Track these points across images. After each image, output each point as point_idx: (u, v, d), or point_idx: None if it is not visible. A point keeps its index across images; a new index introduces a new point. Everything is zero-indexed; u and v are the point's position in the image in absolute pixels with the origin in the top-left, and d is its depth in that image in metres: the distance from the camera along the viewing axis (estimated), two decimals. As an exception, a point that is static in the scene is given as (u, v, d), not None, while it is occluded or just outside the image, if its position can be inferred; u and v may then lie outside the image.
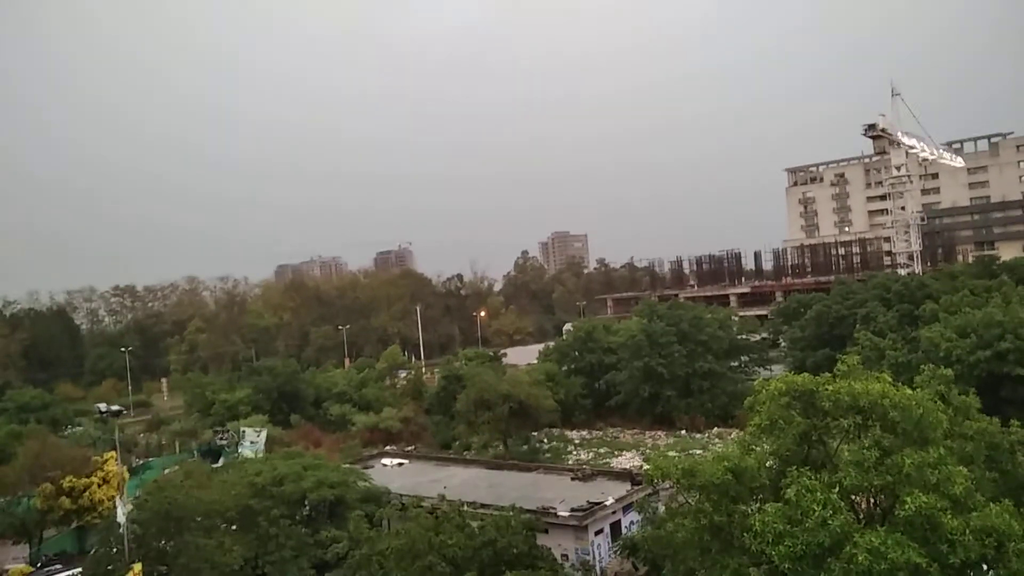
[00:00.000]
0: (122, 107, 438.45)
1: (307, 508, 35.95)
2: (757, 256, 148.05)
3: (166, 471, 52.06)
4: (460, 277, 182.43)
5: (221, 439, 63.55)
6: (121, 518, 31.93)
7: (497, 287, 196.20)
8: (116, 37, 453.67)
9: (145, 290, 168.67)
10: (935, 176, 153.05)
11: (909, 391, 18.41)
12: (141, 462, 59.99)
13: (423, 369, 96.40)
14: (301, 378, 77.10)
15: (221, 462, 57.51)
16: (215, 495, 34.39)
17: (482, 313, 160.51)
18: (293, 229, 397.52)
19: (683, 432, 62.16)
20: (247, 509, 34.05)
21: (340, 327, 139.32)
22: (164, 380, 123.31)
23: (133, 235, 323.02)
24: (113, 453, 51.12)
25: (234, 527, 33.88)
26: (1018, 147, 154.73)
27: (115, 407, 58.45)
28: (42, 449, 49.85)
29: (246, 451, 60.16)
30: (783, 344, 76.65)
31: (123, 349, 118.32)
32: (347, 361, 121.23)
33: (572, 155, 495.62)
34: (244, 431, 63.14)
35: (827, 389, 18.52)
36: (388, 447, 64.45)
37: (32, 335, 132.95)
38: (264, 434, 62.26)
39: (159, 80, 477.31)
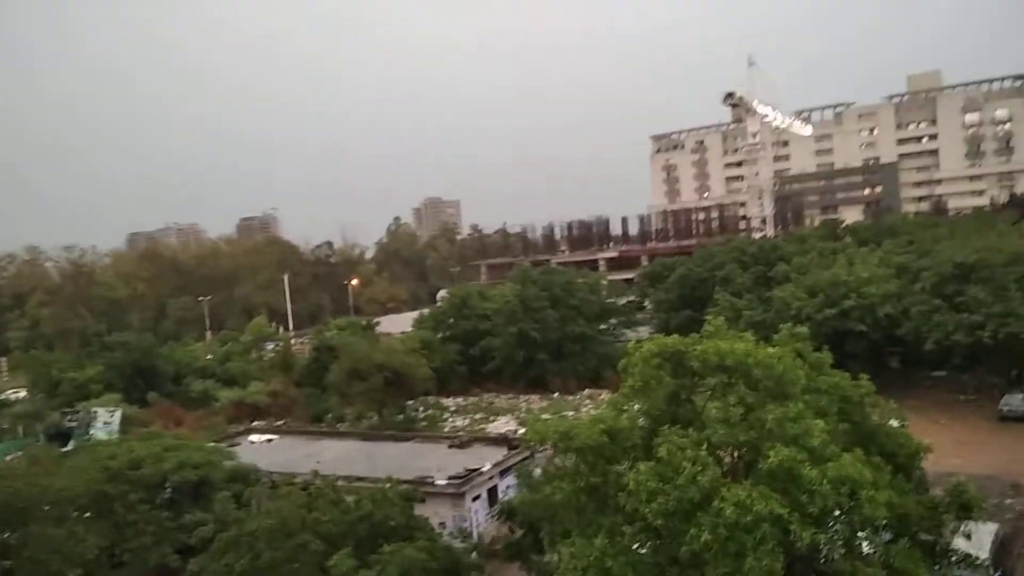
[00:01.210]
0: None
1: (168, 491, 33.93)
2: (624, 221, 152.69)
3: (8, 458, 47.88)
4: (330, 244, 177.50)
5: (70, 421, 59.04)
6: (-48, 513, 28.97)
7: (369, 255, 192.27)
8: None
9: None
10: (786, 144, 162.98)
11: (771, 350, 19.27)
12: (-23, 450, 54.77)
13: (292, 340, 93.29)
14: (159, 353, 72.64)
15: (71, 446, 53.47)
16: (65, 481, 31.81)
17: (354, 281, 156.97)
18: (145, 195, 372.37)
19: (556, 395, 63.53)
20: (101, 495, 31.75)
21: (200, 298, 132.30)
22: (3, 359, 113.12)
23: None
24: (-58, 442, 46.37)
25: (88, 515, 31.57)
26: (859, 116, 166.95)
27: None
28: None
29: (99, 433, 56.26)
30: (649, 306, 79.56)
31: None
32: (209, 334, 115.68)
33: (440, 117, 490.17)
34: (96, 412, 59.00)
35: (695, 349, 19.09)
36: (256, 423, 62.03)
37: None
38: (118, 414, 58.39)
39: None
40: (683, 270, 70.72)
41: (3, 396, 72.16)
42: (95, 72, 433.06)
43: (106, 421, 57.89)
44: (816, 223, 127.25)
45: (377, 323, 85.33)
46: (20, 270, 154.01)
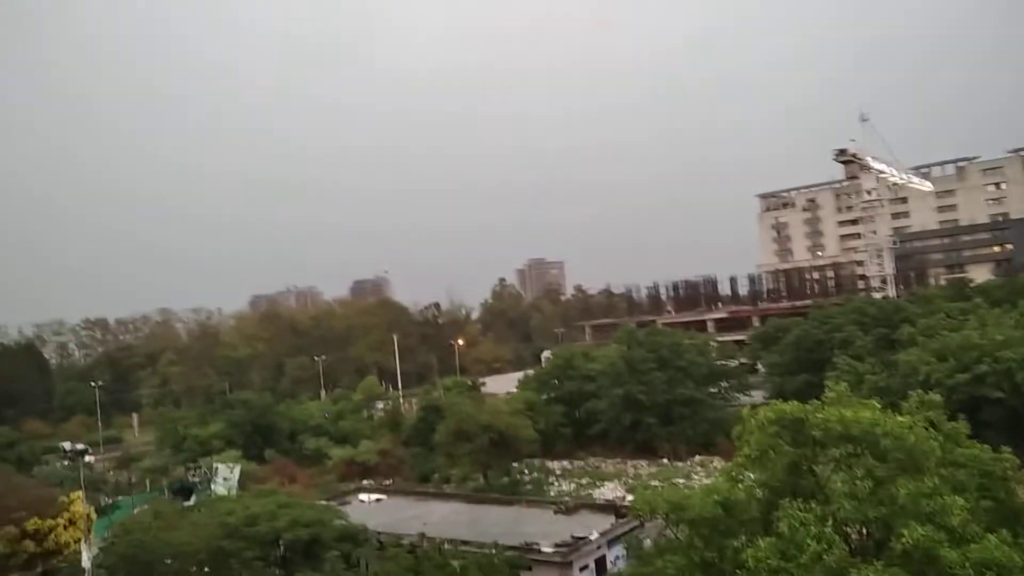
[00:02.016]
0: (99, 117, 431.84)
1: (281, 548, 34.71)
2: (733, 281, 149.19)
3: (135, 511, 50.46)
4: (437, 306, 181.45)
5: (193, 476, 61.87)
6: (86, 562, 30.73)
7: (474, 315, 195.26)
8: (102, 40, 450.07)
9: (116, 323, 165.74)
10: (904, 200, 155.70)
11: (901, 419, 18.05)
12: (110, 501, 58.10)
13: (401, 400, 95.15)
14: (276, 411, 75.58)
15: (193, 500, 55.92)
16: (185, 536, 33.21)
17: (460, 341, 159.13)
18: (269, 258, 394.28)
19: (665, 461, 61.56)
20: (219, 551, 32.84)
21: (316, 358, 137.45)
22: (135, 415, 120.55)
23: (105, 266, 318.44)
24: (80, 493, 49.39)
25: (205, 569, 32.67)
26: (984, 170, 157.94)
27: (80, 445, 56.59)
28: (6, 489, 48.06)
29: (219, 488, 58.58)
30: (762, 369, 76.60)
31: (93, 383, 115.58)
32: (323, 393, 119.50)
33: (542, 178, 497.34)
34: (217, 467, 61.53)
35: (817, 417, 18.12)
36: (365, 481, 63.15)
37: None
38: (237, 470, 60.69)
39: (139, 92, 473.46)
40: (798, 332, 67.94)
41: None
42: (217, 143, 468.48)
43: (226, 477, 60.17)
44: (942, 283, 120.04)
45: (483, 384, 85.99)
46: (153, 331, 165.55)
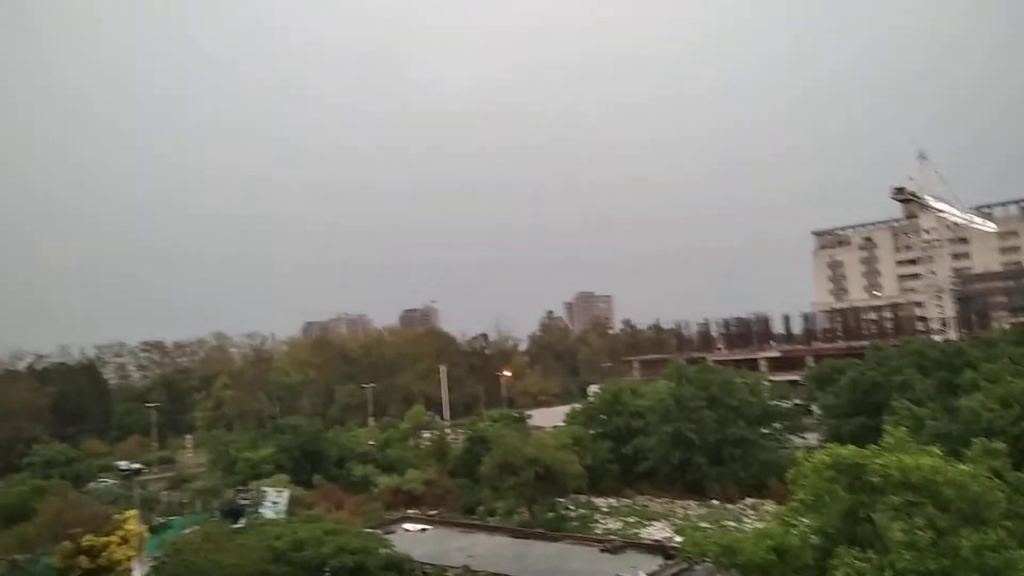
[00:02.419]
0: (159, 154, 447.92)
1: (327, 575, 35.00)
2: (786, 320, 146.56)
3: (186, 531, 51.38)
4: (485, 336, 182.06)
5: (243, 499, 62.70)
6: (139, 581, 31.34)
7: (522, 347, 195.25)
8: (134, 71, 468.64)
9: (174, 346, 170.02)
10: (965, 240, 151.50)
11: (963, 467, 17.50)
12: (162, 521, 59.26)
13: (447, 430, 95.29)
14: (325, 437, 76.41)
15: (242, 523, 56.63)
16: (234, 559, 33.75)
17: (507, 373, 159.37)
18: (321, 286, 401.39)
19: (715, 502, 60.26)
20: (266, 574, 33.27)
21: (365, 385, 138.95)
22: (189, 436, 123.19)
23: (163, 290, 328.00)
24: (134, 512, 50.56)
25: (253, 593, 33.10)
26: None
27: (136, 465, 58.44)
28: (64, 506, 49.41)
29: (267, 512, 59.30)
30: (816, 411, 74.70)
31: (150, 405, 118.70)
32: (371, 420, 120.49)
33: (588, 211, 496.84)
34: (266, 491, 62.34)
35: (875, 463, 17.68)
36: (411, 511, 63.29)
37: (61, 389, 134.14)
38: (286, 495, 61.41)
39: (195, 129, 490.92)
40: (855, 373, 66.14)
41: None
42: (273, 172, 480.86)
43: (274, 501, 60.91)
44: (1005, 326, 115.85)
45: (529, 416, 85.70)
46: (209, 354, 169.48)
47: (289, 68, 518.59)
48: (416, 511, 63.47)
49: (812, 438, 64.76)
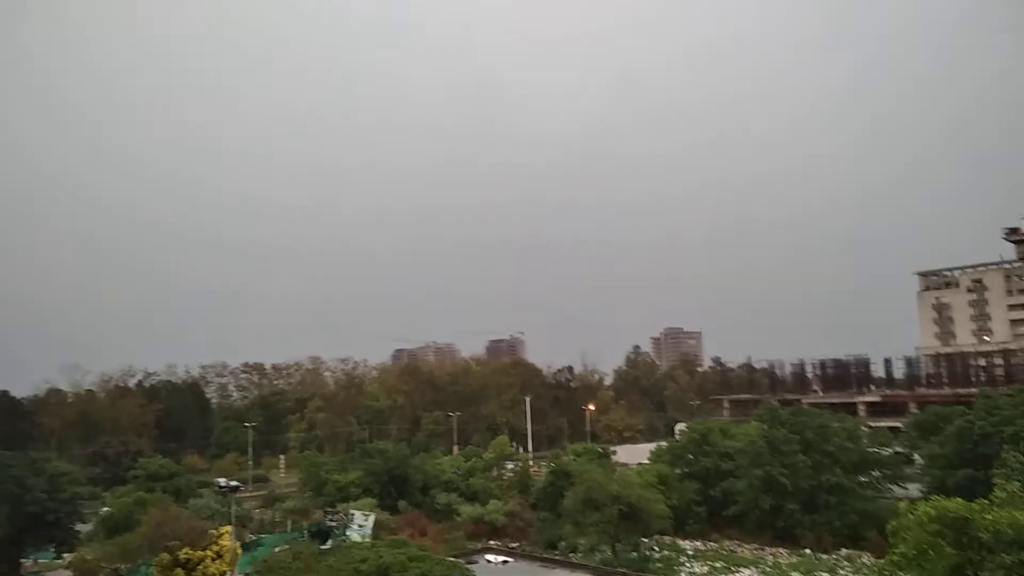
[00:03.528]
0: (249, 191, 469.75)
1: (411, 601, 35.39)
2: (888, 363, 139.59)
3: (276, 549, 52.99)
4: (570, 369, 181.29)
5: (331, 520, 64.21)
6: (232, 595, 32.45)
7: (607, 381, 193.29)
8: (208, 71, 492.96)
9: (272, 368, 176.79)
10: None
11: (1085, 528, 16.33)
12: (254, 538, 61.31)
13: (530, 461, 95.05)
14: (411, 463, 77.53)
15: (329, 544, 58.00)
16: (321, 579, 34.55)
17: (591, 407, 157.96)
18: (412, 315, 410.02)
19: (807, 551, 57.64)
20: (351, 597, 33.94)
21: (451, 413, 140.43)
22: (282, 457, 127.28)
23: (263, 317, 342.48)
24: (229, 528, 52.54)
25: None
26: None
27: (233, 482, 60.73)
28: (164, 518, 51.89)
29: (354, 534, 60.52)
30: (919, 460, 70.70)
31: (246, 424, 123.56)
32: (456, 448, 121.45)
33: (678, 248, 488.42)
34: (353, 514, 63.68)
35: (985, 518, 16.72)
36: (492, 542, 63.35)
37: (167, 406, 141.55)
38: (372, 518, 62.56)
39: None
40: (962, 422, 62.36)
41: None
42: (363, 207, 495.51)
43: (360, 524, 62.13)
44: None
45: (613, 452, 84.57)
46: (304, 377, 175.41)
47: (395, 105, 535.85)
48: (498, 542, 63.46)
49: (914, 489, 61.35)
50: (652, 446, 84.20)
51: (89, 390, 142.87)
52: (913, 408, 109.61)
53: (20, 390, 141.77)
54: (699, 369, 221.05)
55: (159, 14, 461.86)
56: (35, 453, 69.42)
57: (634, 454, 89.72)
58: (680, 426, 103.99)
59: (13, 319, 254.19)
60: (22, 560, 56.75)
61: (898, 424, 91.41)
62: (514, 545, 62.62)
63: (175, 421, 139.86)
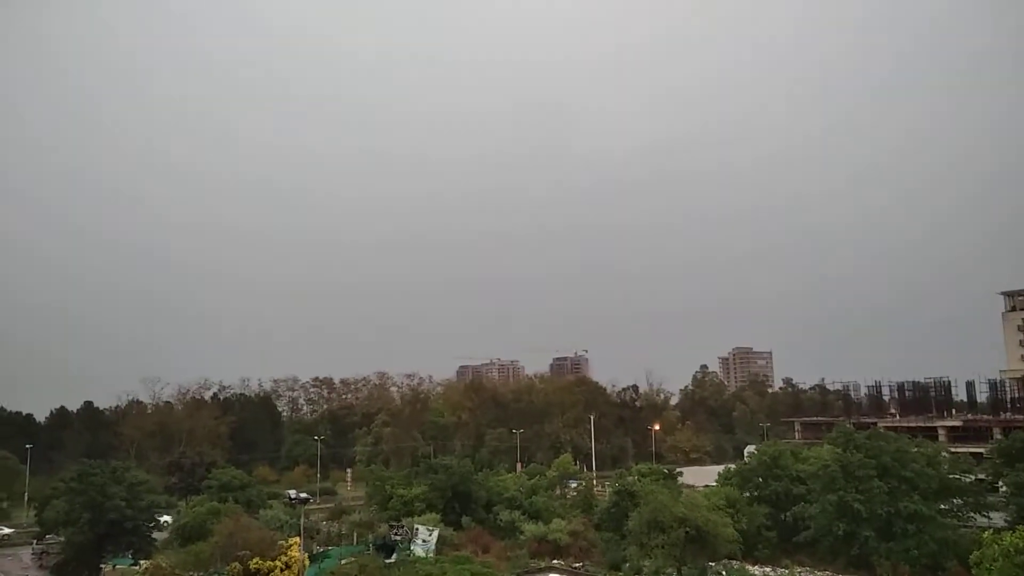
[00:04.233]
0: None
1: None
2: (970, 386, 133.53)
3: (343, 562, 53.81)
4: (635, 388, 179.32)
5: (396, 534, 64.85)
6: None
7: (673, 401, 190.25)
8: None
9: (340, 382, 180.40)
10: None
11: None
12: (321, 550, 62.39)
13: (594, 481, 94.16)
14: (474, 479, 77.75)
15: (394, 558, 58.56)
16: (386, 592, 34.89)
17: (657, 427, 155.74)
18: (477, 332, 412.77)
19: (883, 580, 55.37)
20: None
21: (514, 430, 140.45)
22: (349, 470, 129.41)
23: (335, 331, 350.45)
24: (297, 539, 53.66)
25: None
26: None
27: (303, 494, 61.98)
28: (236, 529, 53.38)
29: (418, 549, 60.99)
30: (1003, 488, 67.24)
31: (315, 438, 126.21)
32: (519, 465, 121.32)
33: (746, 267, 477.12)
34: (417, 528, 64.18)
35: (1076, 552, 15.84)
36: (555, 561, 62.86)
37: (240, 418, 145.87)
38: (436, 534, 62.91)
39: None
40: (1051, 449, 59.24)
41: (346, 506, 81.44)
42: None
43: (424, 539, 62.57)
44: None
45: (680, 473, 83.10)
46: (371, 392, 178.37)
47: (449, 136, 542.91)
48: (561, 562, 62.94)
49: (998, 518, 58.28)
50: (720, 468, 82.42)
51: (167, 402, 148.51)
52: (997, 434, 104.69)
53: (103, 401, 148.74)
54: (769, 390, 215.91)
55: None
56: (115, 462, 72.22)
57: (701, 476, 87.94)
58: (749, 448, 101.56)
59: (92, 333, 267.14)
60: (101, 565, 59.03)
61: (981, 450, 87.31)
62: (577, 565, 61.97)
63: (248, 433, 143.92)
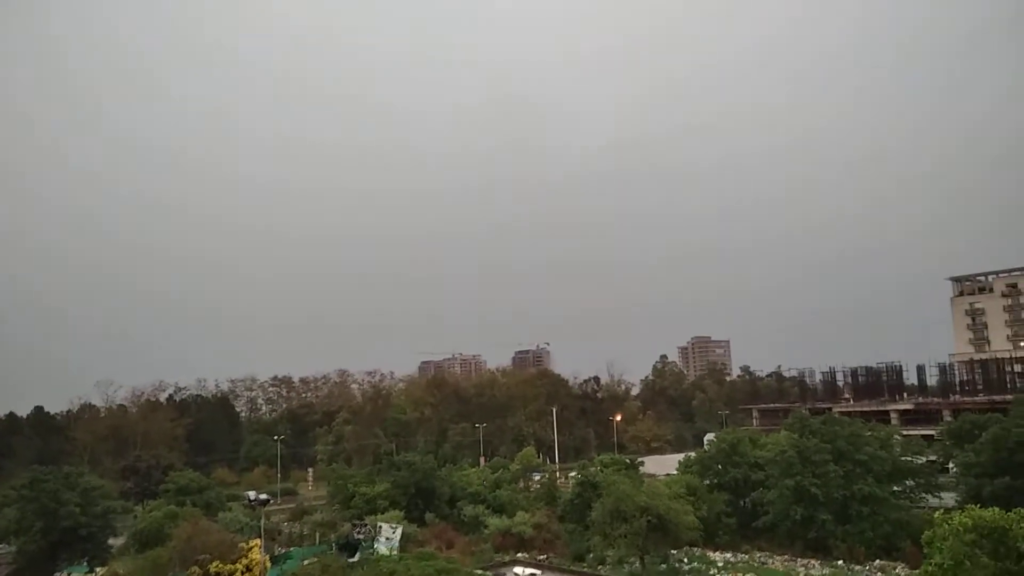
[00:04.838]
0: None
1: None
2: (921, 370, 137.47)
3: (305, 562, 53.17)
4: (597, 380, 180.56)
5: (358, 533, 64.33)
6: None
7: (634, 392, 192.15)
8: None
9: (300, 381, 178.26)
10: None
11: None
12: (283, 551, 61.59)
13: (557, 473, 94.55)
14: (438, 475, 77.48)
15: (357, 557, 58.08)
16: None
17: (618, 418, 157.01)
18: (438, 328, 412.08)
19: (840, 562, 56.53)
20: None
21: (477, 425, 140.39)
22: (310, 470, 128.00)
23: (295, 330, 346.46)
24: (258, 541, 52.86)
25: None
26: None
27: (263, 496, 60.84)
28: (194, 532, 52.35)
29: (381, 547, 60.56)
30: (953, 469, 69.32)
31: (275, 438, 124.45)
32: (482, 459, 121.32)
33: (706, 258, 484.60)
34: (380, 526, 63.75)
35: (1023, 527, 16.31)
36: (520, 554, 63.00)
37: (196, 420, 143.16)
38: (399, 531, 62.59)
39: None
40: (998, 429, 61.06)
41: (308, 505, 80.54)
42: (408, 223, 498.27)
43: (388, 536, 62.19)
44: None
45: (641, 463, 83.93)
46: (331, 390, 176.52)
47: (412, 129, 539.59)
48: (526, 555, 63.12)
49: (949, 498, 60.08)
50: (680, 457, 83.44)
51: (121, 405, 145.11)
52: (947, 416, 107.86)
53: (54, 405, 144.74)
54: (727, 378, 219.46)
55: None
56: (68, 468, 70.32)
57: (662, 465, 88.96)
58: (709, 436, 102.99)
59: (46, 336, 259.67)
60: (55, 574, 57.50)
61: (932, 432, 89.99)
62: (542, 557, 62.22)
63: (205, 435, 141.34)
